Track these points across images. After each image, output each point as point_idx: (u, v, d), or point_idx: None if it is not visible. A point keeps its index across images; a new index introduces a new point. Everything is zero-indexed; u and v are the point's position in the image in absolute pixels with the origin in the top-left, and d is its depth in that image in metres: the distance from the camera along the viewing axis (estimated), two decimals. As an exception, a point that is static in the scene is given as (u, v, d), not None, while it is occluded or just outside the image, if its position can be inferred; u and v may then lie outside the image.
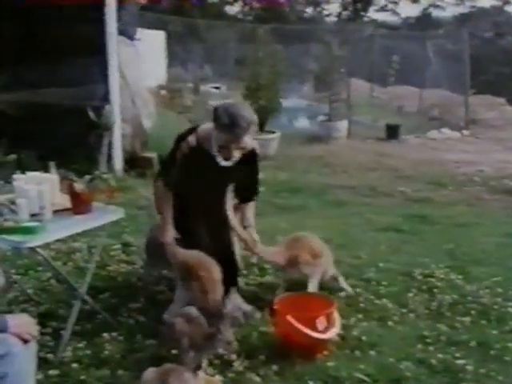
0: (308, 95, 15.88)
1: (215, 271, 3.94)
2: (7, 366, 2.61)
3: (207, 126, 4.13)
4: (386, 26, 21.41)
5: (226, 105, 4.09)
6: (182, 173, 4.09)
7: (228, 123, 3.90)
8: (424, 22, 22.10)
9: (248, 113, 3.99)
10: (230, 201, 4.26)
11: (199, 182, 4.13)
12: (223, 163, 4.13)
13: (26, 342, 2.71)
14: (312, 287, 4.40)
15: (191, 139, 4.08)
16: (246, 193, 4.38)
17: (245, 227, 4.30)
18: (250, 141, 4.16)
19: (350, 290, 4.64)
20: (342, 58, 11.82)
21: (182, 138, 4.13)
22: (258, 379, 3.51)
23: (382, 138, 11.95)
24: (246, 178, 4.28)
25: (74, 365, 3.66)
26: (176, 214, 4.16)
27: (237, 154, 4.14)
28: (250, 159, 4.24)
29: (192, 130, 4.16)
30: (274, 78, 10.55)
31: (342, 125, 11.65)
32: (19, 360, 2.65)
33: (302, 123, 13.61)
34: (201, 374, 3.17)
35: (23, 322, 2.79)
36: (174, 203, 4.16)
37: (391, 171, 9.27)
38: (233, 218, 4.21)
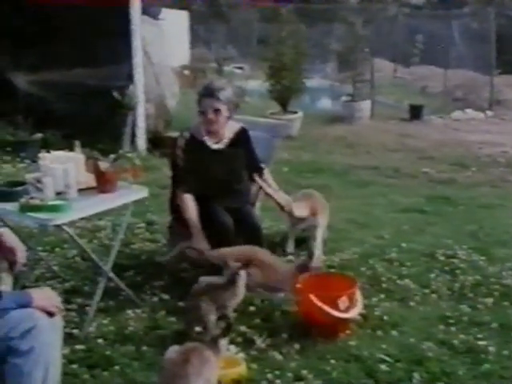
0: (331, 75, 15.75)
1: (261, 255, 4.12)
2: (33, 340, 2.62)
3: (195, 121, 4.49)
4: (410, 6, 21.11)
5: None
6: (186, 167, 4.32)
7: (202, 89, 4.36)
8: (449, 0, 21.75)
9: (220, 80, 4.73)
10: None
11: (202, 171, 4.32)
12: (214, 146, 4.41)
13: (51, 315, 2.74)
14: (320, 233, 4.92)
15: (185, 134, 4.40)
16: (253, 168, 4.57)
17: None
18: (235, 123, 4.50)
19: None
20: (365, 37, 11.70)
21: (176, 139, 4.44)
22: (280, 357, 3.53)
23: (406, 118, 11.85)
24: (246, 156, 4.52)
25: (99, 340, 3.70)
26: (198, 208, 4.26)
27: (226, 137, 4.43)
28: (242, 139, 4.52)
29: (180, 133, 4.47)
30: (298, 58, 10.46)
31: (365, 105, 11.55)
32: (45, 334, 2.66)
33: (325, 103, 13.54)
34: (222, 351, 3.19)
35: (47, 296, 2.82)
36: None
37: (414, 152, 9.20)
38: (266, 187, 4.56)
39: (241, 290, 3.79)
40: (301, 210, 4.78)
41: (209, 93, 4.28)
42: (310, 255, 4.09)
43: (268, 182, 4.63)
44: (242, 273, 3.77)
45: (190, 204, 4.24)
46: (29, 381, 2.63)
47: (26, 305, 2.70)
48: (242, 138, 4.50)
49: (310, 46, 11.38)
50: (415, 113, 11.85)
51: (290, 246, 5.02)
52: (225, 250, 4.11)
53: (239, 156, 4.46)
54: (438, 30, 15.43)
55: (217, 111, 4.28)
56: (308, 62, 11.33)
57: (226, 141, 4.43)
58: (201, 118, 4.34)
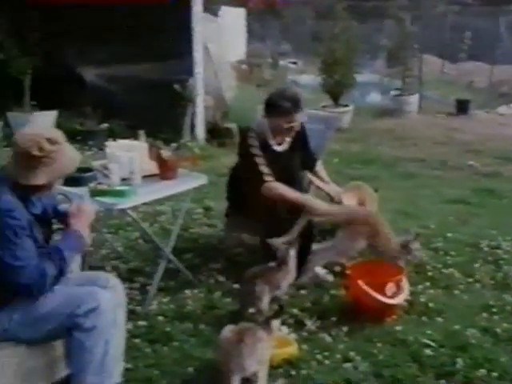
0: (380, 70, 15.54)
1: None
2: (96, 319, 2.70)
3: (257, 122, 4.33)
4: (459, 2, 20.65)
5: (277, 93, 4.27)
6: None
7: (290, 105, 4.11)
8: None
9: (298, 90, 4.39)
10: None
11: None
12: (278, 149, 4.29)
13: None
14: None
15: (251, 134, 4.21)
16: (308, 162, 4.52)
17: None
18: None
19: None
20: (414, 34, 11.50)
21: (244, 139, 4.23)
22: (329, 339, 3.53)
23: (452, 112, 11.62)
24: (303, 151, 4.44)
25: (160, 317, 3.77)
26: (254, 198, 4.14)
27: (288, 138, 4.31)
28: (301, 137, 4.41)
29: (247, 129, 4.29)
30: (349, 53, 10.35)
31: (413, 99, 11.37)
32: (107, 314, 2.74)
33: (374, 97, 13.36)
34: (275, 332, 3.19)
35: (84, 219, 2.95)
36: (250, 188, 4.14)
37: (460, 145, 9.01)
38: (316, 181, 4.56)
39: (292, 269, 3.82)
40: (349, 200, 4.71)
41: (300, 107, 4.17)
42: (416, 235, 4.15)
43: (320, 174, 4.59)
44: (292, 253, 3.78)
45: (284, 187, 4.10)
46: (90, 355, 2.71)
47: (80, 245, 2.85)
48: (300, 136, 4.40)
49: (360, 42, 11.20)
50: (462, 107, 11.61)
51: None
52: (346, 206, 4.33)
53: (298, 155, 4.40)
54: (485, 27, 15.05)
55: None
56: (359, 57, 11.18)
57: (288, 140, 4.32)
58: (281, 127, 4.21)
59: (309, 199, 4.13)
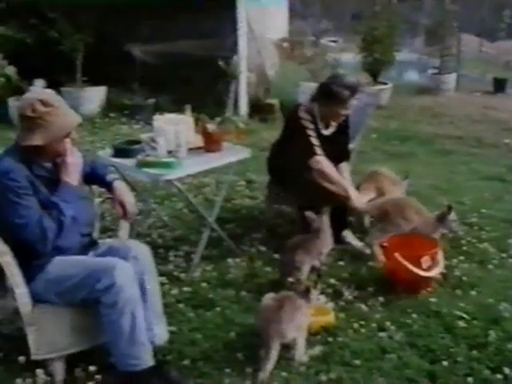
0: (419, 49, 15.23)
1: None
2: (115, 295, 2.69)
3: (304, 104, 4.21)
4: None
5: (336, 81, 4.11)
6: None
7: (349, 94, 4.03)
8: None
9: (351, 77, 4.22)
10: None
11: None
12: (324, 132, 4.20)
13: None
14: None
15: (302, 108, 4.14)
16: (340, 155, 4.35)
17: None
18: None
19: None
20: (453, 12, 11.21)
21: (295, 113, 4.14)
22: (365, 309, 3.53)
23: (490, 91, 11.34)
24: (340, 142, 4.33)
25: (203, 284, 3.80)
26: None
27: (335, 122, 4.24)
28: (344, 124, 4.31)
29: (298, 105, 4.22)
30: (389, 32, 10.15)
31: (451, 78, 11.12)
32: (125, 290, 2.71)
33: (412, 76, 13.11)
34: (313, 300, 3.19)
35: (74, 169, 2.89)
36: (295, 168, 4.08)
37: (497, 123, 8.78)
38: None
39: (328, 237, 3.83)
40: (367, 194, 4.53)
41: (356, 93, 4.09)
42: (450, 207, 4.11)
43: (342, 171, 4.35)
44: (326, 220, 3.77)
45: (331, 166, 4.09)
46: (118, 327, 2.72)
47: (71, 195, 2.83)
48: (344, 124, 4.30)
49: (400, 21, 10.96)
50: (499, 86, 11.31)
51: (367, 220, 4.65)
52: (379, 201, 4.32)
53: (340, 139, 4.32)
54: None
55: None
56: (398, 35, 10.96)
57: (333, 124, 4.25)
58: (335, 114, 4.15)
59: (349, 188, 4.09)
